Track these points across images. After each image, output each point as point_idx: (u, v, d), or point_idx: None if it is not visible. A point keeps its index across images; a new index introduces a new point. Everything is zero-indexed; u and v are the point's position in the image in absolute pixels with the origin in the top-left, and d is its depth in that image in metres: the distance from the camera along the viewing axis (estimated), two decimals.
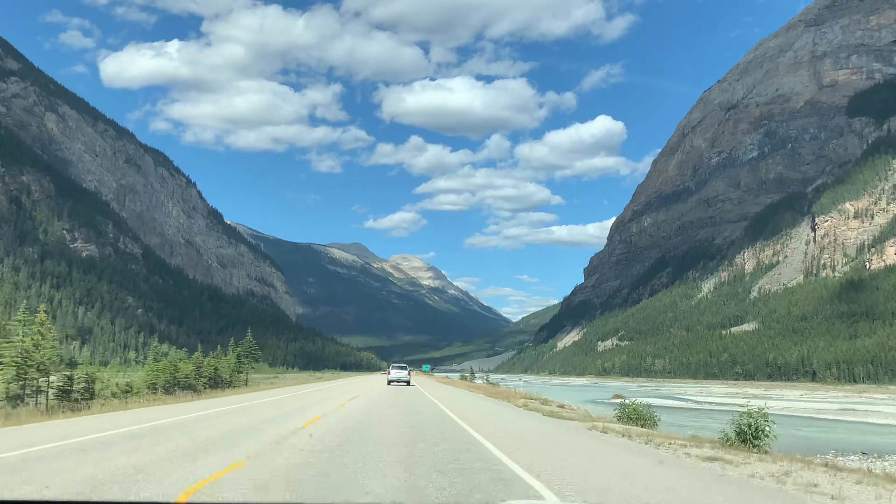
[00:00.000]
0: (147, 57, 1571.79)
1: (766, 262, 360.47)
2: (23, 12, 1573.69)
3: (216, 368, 61.49)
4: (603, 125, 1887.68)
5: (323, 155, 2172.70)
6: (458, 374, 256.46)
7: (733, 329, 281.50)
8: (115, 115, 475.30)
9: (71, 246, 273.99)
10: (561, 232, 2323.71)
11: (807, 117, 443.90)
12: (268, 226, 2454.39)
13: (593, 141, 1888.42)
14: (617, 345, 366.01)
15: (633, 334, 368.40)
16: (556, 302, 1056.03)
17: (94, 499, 9.84)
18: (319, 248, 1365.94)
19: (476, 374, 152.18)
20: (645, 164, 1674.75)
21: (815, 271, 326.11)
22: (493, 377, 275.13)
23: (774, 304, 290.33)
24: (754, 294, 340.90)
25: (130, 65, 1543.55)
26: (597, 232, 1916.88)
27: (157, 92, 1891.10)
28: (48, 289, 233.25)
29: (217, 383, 60.94)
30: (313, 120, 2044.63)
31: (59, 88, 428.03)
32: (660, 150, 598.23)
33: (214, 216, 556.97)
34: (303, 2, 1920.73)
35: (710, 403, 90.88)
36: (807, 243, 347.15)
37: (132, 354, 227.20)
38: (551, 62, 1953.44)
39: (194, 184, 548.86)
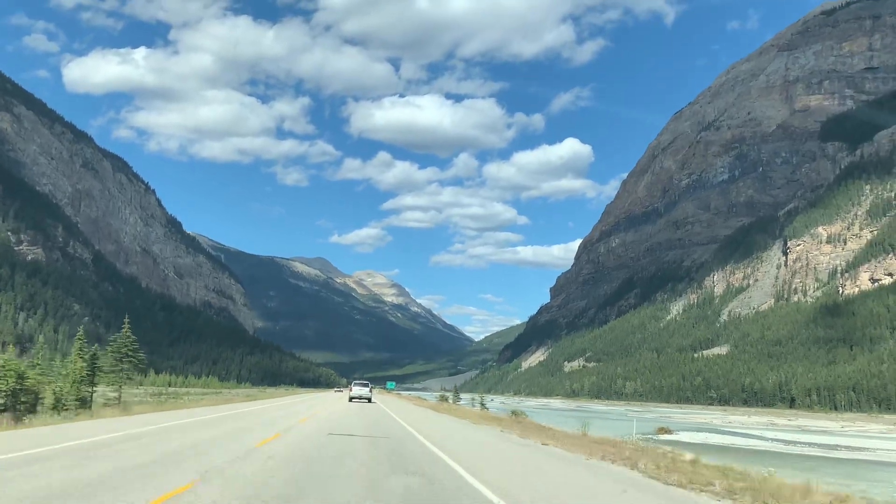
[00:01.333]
0: (112, 63, 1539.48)
1: (737, 285, 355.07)
2: None
3: (20, 377, 30.67)
4: (570, 147, 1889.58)
5: (289, 168, 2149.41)
6: (427, 394, 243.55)
7: (704, 352, 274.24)
8: (77, 122, 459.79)
9: (15, 248, 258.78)
10: (526, 252, 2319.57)
11: (778, 141, 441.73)
12: (231, 238, 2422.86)
13: (560, 163, 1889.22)
14: (584, 366, 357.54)
15: (601, 355, 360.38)
16: (519, 322, 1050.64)
17: None
18: (282, 261, 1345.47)
19: (458, 396, 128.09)
20: (611, 188, 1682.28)
21: (786, 295, 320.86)
22: (464, 396, 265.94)
23: (746, 327, 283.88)
24: (724, 317, 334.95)
25: (95, 71, 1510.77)
26: (561, 253, 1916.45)
27: (121, 99, 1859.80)
28: None
29: (33, 406, 32.43)
30: (280, 133, 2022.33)
31: (15, 88, 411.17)
32: (627, 174, 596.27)
33: (173, 225, 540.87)
34: (273, 13, 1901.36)
35: (785, 442, 69.42)
36: (778, 267, 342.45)
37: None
38: (521, 83, 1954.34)
39: (153, 191, 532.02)
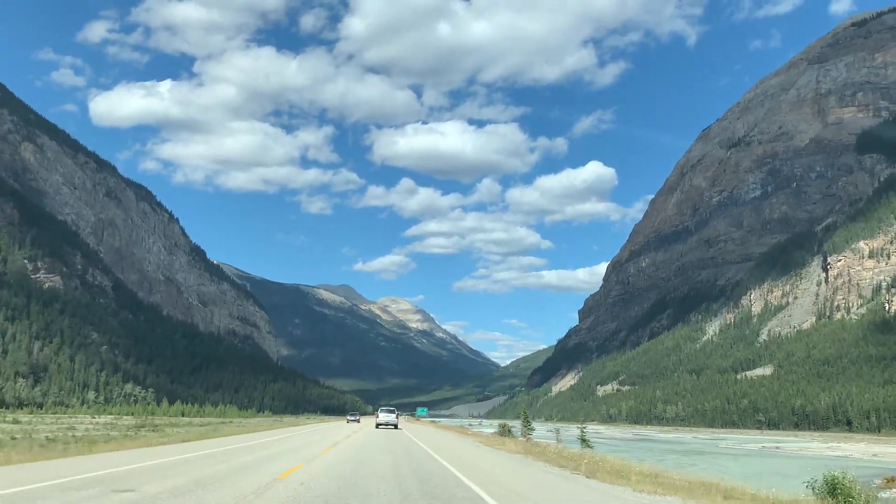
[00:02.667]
0: (138, 96, 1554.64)
1: (775, 303, 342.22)
2: (15, 49, 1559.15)
3: None
4: (594, 171, 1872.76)
5: (313, 197, 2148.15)
6: (459, 420, 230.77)
7: (747, 373, 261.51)
8: (104, 154, 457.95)
9: (32, 276, 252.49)
10: (550, 276, 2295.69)
11: (812, 155, 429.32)
12: (256, 267, 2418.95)
13: (584, 186, 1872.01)
14: (618, 389, 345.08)
15: (636, 378, 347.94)
16: (544, 346, 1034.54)
17: None
18: (307, 289, 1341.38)
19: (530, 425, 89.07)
20: (635, 210, 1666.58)
21: (828, 313, 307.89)
22: (476, 421, 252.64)
23: (790, 346, 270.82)
24: (764, 336, 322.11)
25: (121, 104, 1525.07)
26: (586, 277, 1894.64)
27: (147, 132, 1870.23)
28: (1, 321, 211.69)
29: None
30: (304, 162, 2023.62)
31: (38, 119, 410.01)
32: (652, 195, 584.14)
33: (197, 253, 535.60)
34: (296, 44, 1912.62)
35: None
36: (818, 284, 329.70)
37: (91, 395, 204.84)
38: (543, 108, 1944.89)
39: (177, 220, 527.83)
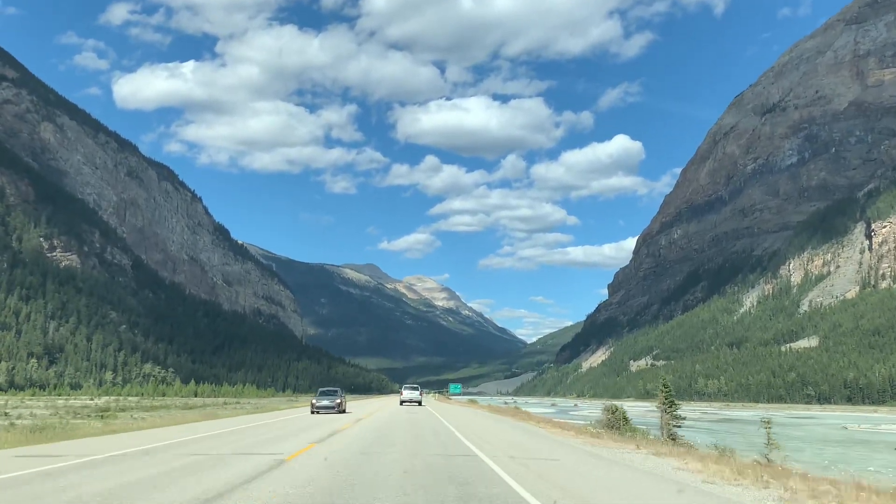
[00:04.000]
0: (161, 78, 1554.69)
1: (816, 272, 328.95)
2: (38, 34, 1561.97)
3: None
4: (620, 144, 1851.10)
5: (338, 176, 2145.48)
6: (488, 398, 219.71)
7: (791, 345, 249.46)
8: (129, 137, 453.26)
9: (48, 255, 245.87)
10: (576, 253, 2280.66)
11: (851, 119, 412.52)
12: (282, 247, 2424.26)
13: (610, 161, 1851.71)
14: (652, 364, 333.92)
15: (670, 353, 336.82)
16: (570, 323, 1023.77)
17: None
18: (332, 268, 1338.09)
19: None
20: (663, 184, 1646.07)
21: (873, 282, 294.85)
22: (510, 399, 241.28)
23: (836, 317, 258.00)
24: (805, 307, 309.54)
25: (145, 86, 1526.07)
26: (613, 252, 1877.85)
27: (171, 113, 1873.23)
28: (15, 301, 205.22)
29: None
30: (328, 141, 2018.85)
31: (58, 99, 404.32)
32: (679, 168, 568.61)
33: (221, 232, 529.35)
34: (318, 21, 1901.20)
35: None
36: (861, 252, 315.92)
37: (108, 375, 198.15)
38: (568, 81, 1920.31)
39: (200, 199, 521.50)
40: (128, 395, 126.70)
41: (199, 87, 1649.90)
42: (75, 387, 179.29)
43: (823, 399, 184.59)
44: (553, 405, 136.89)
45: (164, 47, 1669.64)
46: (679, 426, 32.20)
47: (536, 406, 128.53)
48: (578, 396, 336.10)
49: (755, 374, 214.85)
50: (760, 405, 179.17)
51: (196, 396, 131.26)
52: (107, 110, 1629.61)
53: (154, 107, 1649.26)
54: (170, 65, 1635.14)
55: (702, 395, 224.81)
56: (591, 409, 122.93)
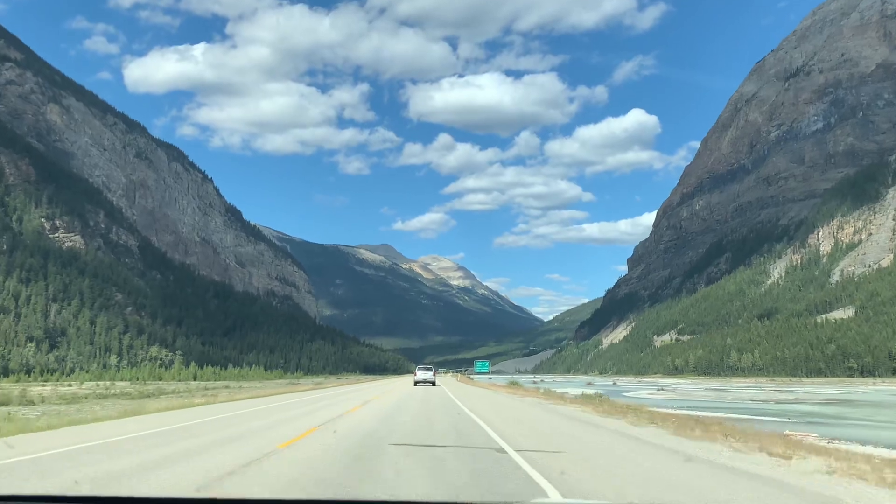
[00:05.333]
0: (172, 61, 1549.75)
1: (847, 241, 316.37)
2: (48, 18, 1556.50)
3: None
4: (635, 119, 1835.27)
5: (351, 157, 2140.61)
6: (505, 377, 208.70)
7: (826, 316, 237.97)
8: (141, 121, 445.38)
9: (51, 236, 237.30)
10: (592, 229, 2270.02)
11: (879, 82, 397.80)
12: (296, 229, 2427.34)
13: (625, 135, 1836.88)
14: (677, 339, 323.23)
15: (696, 327, 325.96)
16: (587, 300, 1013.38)
17: None
18: (347, 249, 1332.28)
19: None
20: (679, 158, 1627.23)
21: None
22: (538, 378, 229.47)
23: (872, 286, 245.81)
24: (836, 277, 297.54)
25: (155, 69, 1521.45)
26: (629, 228, 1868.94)
27: (182, 97, 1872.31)
28: (15, 283, 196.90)
29: None
30: (341, 121, 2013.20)
31: (65, 80, 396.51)
32: (698, 141, 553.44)
33: (233, 213, 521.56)
34: (328, 0, 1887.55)
35: None
36: (895, 218, 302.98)
37: (113, 359, 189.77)
38: (581, 55, 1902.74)
39: (211, 179, 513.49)
40: (122, 380, 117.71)
41: (210, 70, 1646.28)
42: (77, 370, 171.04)
43: (867, 372, 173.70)
44: (590, 384, 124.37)
45: (174, 30, 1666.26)
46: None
47: (572, 385, 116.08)
48: (601, 373, 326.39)
49: (791, 346, 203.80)
50: (802, 379, 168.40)
51: (195, 380, 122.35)
52: (118, 95, 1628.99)
53: (165, 90, 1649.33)
54: (180, 47, 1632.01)
55: (734, 370, 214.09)
56: (645, 388, 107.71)
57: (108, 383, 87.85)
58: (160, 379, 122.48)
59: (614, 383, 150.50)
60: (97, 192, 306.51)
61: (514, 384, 76.77)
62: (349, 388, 68.05)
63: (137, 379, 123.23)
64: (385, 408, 31.41)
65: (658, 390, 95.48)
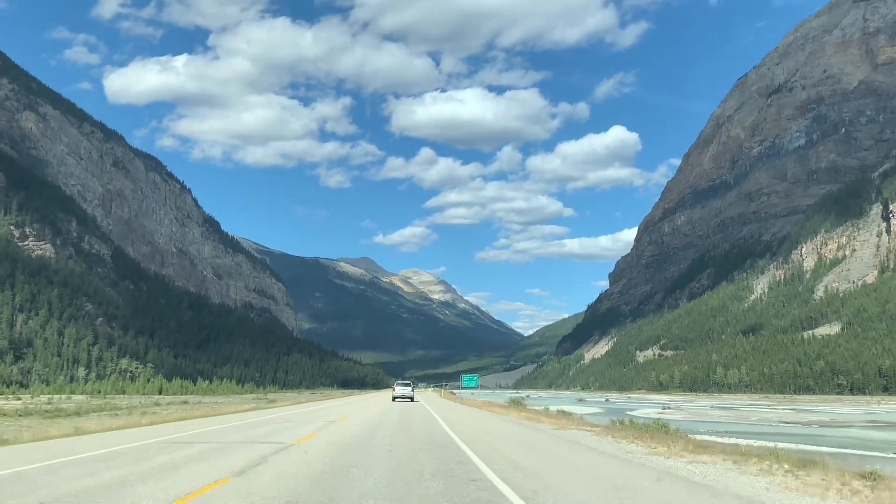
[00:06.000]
0: (153, 72, 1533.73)
1: (830, 256, 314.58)
2: (29, 28, 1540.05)
3: None
4: (616, 136, 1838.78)
5: (332, 170, 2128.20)
6: (489, 392, 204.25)
7: (813, 332, 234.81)
8: (122, 133, 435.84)
9: (19, 244, 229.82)
10: (572, 245, 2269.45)
11: (862, 98, 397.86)
12: (276, 241, 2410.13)
13: (606, 152, 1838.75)
14: (660, 354, 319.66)
15: (678, 342, 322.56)
16: (567, 315, 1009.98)
17: None
18: (327, 262, 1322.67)
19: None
20: (660, 174, 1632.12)
21: (892, 265, 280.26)
22: (523, 393, 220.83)
23: (858, 302, 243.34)
24: (820, 293, 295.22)
25: (136, 80, 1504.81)
26: (609, 244, 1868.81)
27: (163, 108, 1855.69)
28: None
29: None
30: (323, 134, 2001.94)
31: (41, 88, 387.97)
32: (677, 160, 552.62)
33: (211, 224, 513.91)
34: (311, 13, 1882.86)
35: None
36: (878, 235, 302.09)
37: (81, 371, 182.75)
38: (563, 71, 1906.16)
39: (189, 190, 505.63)
40: (84, 393, 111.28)
41: (192, 81, 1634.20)
42: (42, 382, 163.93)
43: (857, 389, 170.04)
44: (581, 400, 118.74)
45: (156, 41, 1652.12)
46: None
47: (562, 402, 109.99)
48: (583, 388, 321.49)
49: (778, 363, 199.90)
50: (791, 397, 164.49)
51: (160, 394, 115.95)
52: (98, 105, 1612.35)
53: (146, 101, 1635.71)
54: (162, 58, 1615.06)
55: (720, 387, 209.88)
56: (646, 406, 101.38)
57: (62, 397, 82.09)
58: (123, 392, 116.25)
59: (607, 399, 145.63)
60: (70, 200, 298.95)
61: (516, 403, 64.64)
62: (317, 407, 61.67)
63: (99, 392, 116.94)
64: (348, 437, 25.46)
65: (663, 409, 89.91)
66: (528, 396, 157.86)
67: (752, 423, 59.75)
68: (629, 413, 68.48)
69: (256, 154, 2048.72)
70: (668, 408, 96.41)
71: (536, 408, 56.27)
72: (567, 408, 60.63)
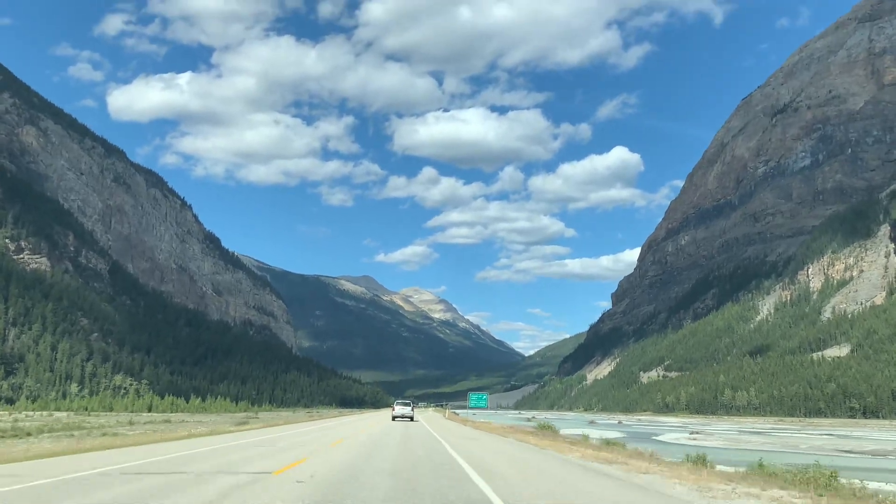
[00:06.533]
0: (157, 89, 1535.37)
1: (838, 277, 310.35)
2: (33, 45, 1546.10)
3: None
4: (618, 156, 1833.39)
5: (335, 188, 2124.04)
6: (500, 414, 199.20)
7: (822, 353, 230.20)
8: (126, 150, 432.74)
9: (14, 257, 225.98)
10: (574, 265, 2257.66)
11: (868, 119, 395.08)
12: (277, 259, 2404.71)
13: (608, 173, 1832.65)
14: (664, 375, 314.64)
15: (683, 363, 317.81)
16: (568, 335, 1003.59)
17: None
18: (328, 280, 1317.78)
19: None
20: (661, 196, 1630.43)
21: None
22: (529, 414, 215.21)
23: (868, 324, 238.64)
24: (827, 314, 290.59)
25: (140, 98, 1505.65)
26: (610, 265, 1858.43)
27: (166, 125, 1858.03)
28: None
29: None
30: (325, 153, 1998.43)
31: (43, 102, 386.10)
32: (680, 181, 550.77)
33: (211, 241, 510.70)
34: (315, 32, 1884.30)
35: None
36: (887, 256, 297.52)
37: (74, 387, 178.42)
38: (566, 92, 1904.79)
39: (189, 206, 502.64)
40: (70, 410, 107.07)
41: (195, 99, 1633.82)
42: (34, 398, 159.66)
43: (870, 412, 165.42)
44: (591, 423, 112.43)
45: (160, 58, 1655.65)
46: None
47: (574, 424, 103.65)
48: (586, 410, 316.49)
49: (788, 385, 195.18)
50: (805, 420, 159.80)
51: (149, 411, 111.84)
52: (101, 122, 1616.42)
53: (149, 118, 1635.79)
54: (165, 76, 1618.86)
55: (728, 409, 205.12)
56: (671, 430, 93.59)
57: (42, 413, 78.02)
58: (111, 409, 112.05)
59: (619, 422, 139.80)
60: (68, 215, 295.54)
61: (544, 428, 54.16)
62: (309, 428, 56.90)
63: (86, 409, 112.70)
64: (336, 471, 20.33)
65: (692, 435, 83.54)
66: (533, 417, 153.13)
67: (803, 452, 54.20)
68: (654, 438, 63.97)
69: (259, 172, 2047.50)
70: (697, 433, 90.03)
71: (573, 436, 48.38)
72: (582, 431, 56.20)
